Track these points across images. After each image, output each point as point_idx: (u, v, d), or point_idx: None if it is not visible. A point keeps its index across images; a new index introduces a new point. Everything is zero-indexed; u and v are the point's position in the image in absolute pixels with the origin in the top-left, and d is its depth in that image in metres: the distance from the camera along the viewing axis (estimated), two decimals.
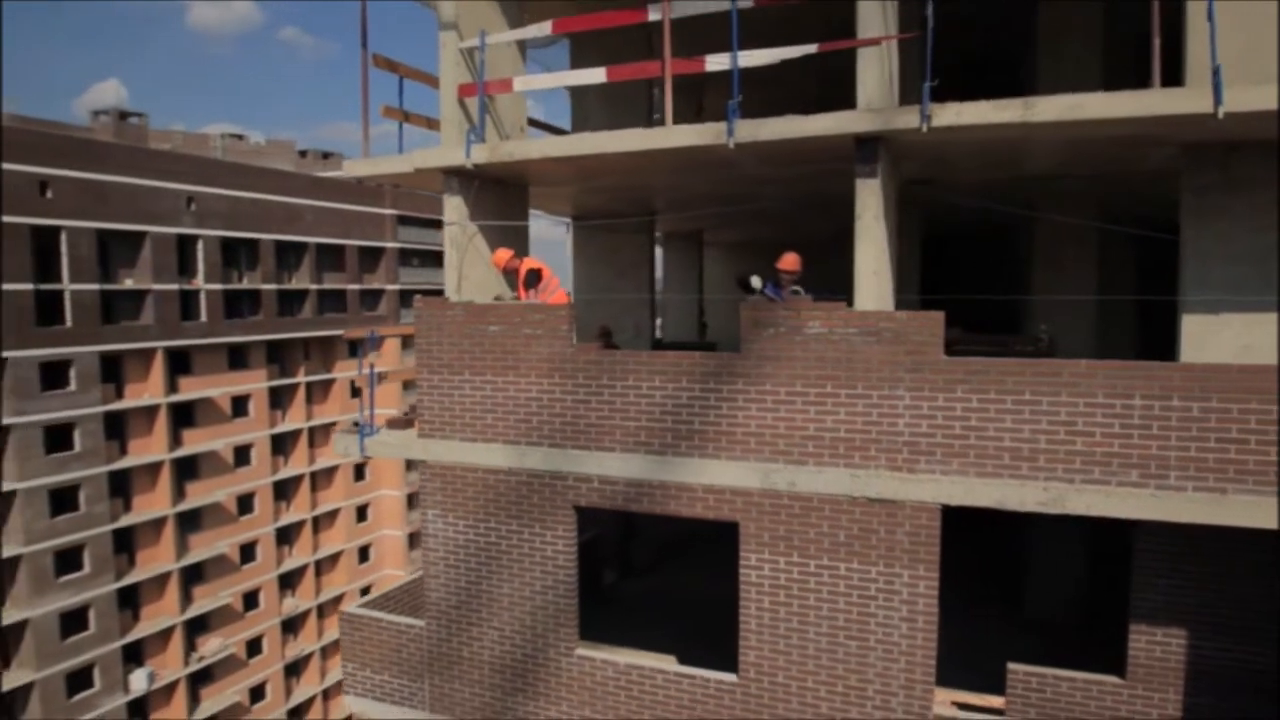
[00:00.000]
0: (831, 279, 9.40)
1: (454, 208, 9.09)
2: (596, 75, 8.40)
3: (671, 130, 7.66)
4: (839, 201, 8.37)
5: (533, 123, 13.15)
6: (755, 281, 8.19)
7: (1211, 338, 7.64)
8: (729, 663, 8.12)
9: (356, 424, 9.74)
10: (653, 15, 7.86)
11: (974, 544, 12.67)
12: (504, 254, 9.12)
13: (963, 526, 11.95)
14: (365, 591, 52.79)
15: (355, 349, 48.29)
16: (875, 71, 7.24)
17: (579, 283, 14.42)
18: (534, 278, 8.83)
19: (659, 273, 17.21)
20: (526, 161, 8.56)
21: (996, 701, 8.21)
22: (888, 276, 7.97)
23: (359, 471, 58.68)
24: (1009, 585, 11.87)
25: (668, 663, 8.48)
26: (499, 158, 8.55)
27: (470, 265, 9.55)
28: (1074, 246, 11.18)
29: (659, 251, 18.85)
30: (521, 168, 9.06)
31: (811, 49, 7.43)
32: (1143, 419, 6.57)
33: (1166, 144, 7.62)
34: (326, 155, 72.86)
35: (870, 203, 7.36)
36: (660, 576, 13.49)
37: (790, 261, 8.17)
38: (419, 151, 8.81)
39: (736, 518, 7.79)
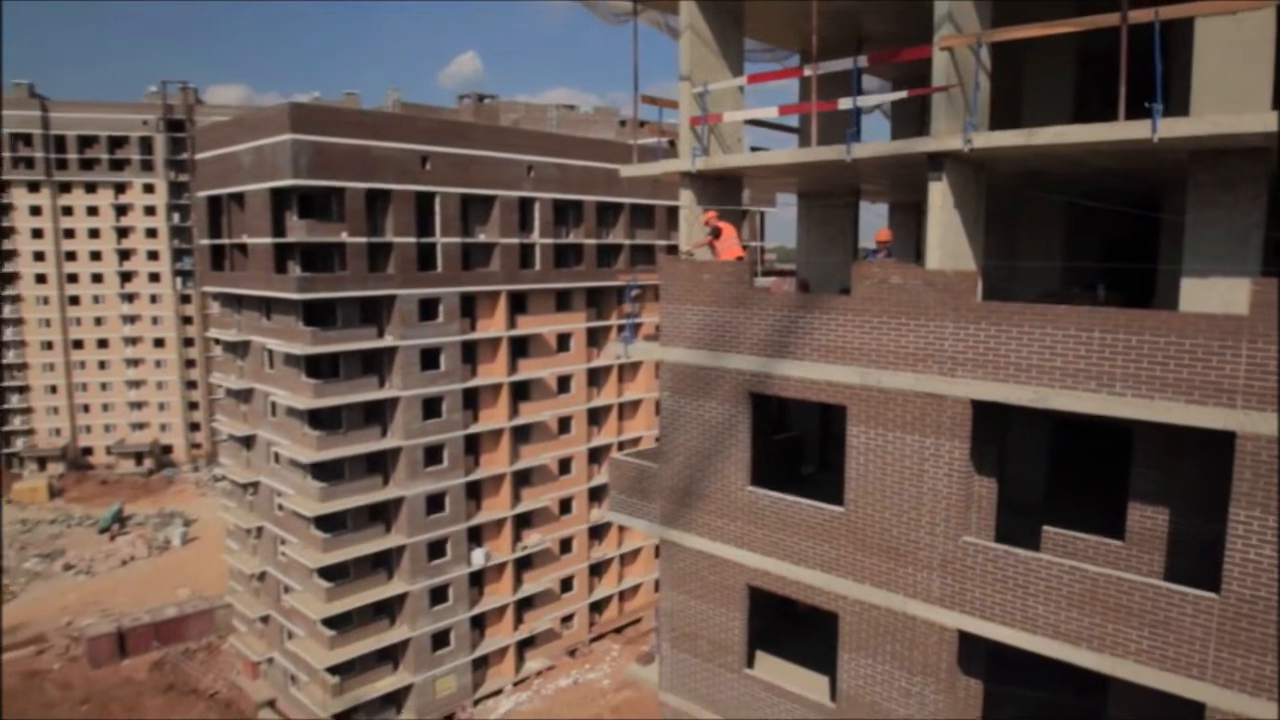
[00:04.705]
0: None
1: (685, 197, 13.88)
2: (770, 112, 12.70)
3: (811, 150, 11.79)
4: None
5: (777, 127, 17.38)
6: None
7: (1203, 297, 10.43)
8: None
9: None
10: (806, 72, 11.98)
11: (1109, 478, 15.30)
12: (710, 214, 13.74)
13: (1104, 470, 14.68)
14: None
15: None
16: (944, 108, 10.86)
17: (801, 246, 18.59)
18: (716, 232, 13.36)
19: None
20: (728, 168, 13.10)
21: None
22: (962, 245, 11.56)
23: (659, 407, 66.19)
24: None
25: (802, 499, 12.78)
26: (712, 166, 13.19)
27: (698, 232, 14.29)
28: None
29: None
30: (729, 170, 13.59)
31: (903, 94, 11.18)
32: (1099, 346, 9.78)
33: (1177, 152, 10.42)
34: (643, 124, 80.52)
35: (938, 198, 11.04)
36: None
37: (882, 235, 12.01)
38: (663, 161, 13.69)
39: (845, 403, 11.91)
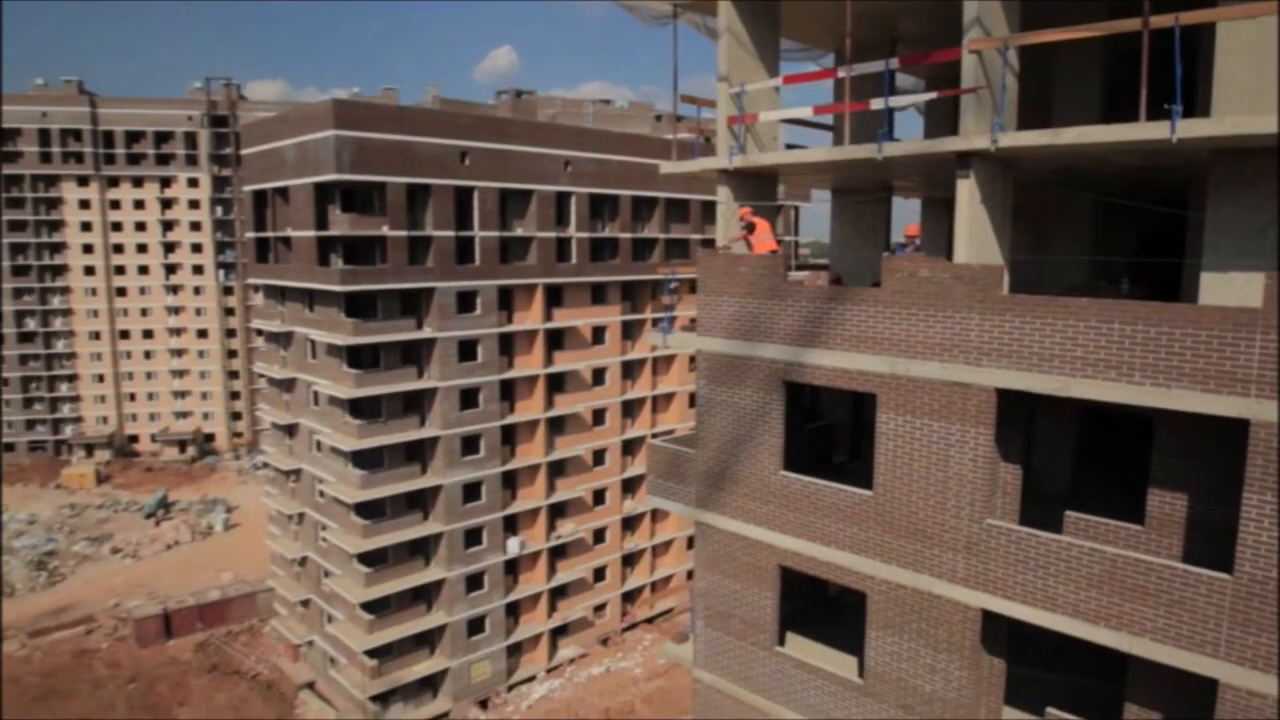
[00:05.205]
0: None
1: (723, 193, 14.47)
2: (805, 112, 13.23)
3: (845, 149, 12.32)
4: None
5: (812, 124, 17.84)
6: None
7: (1222, 291, 10.83)
8: None
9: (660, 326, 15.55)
10: (840, 73, 12.50)
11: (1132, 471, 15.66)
12: (745, 210, 14.30)
13: (1128, 463, 15.07)
14: None
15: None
16: (972, 108, 11.34)
17: (834, 241, 19.09)
18: (750, 227, 13.93)
19: None
20: (764, 166, 13.66)
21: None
22: (989, 240, 12.02)
23: (693, 400, 66.88)
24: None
25: (833, 483, 13.33)
26: (748, 163, 13.75)
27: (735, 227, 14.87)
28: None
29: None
30: (765, 168, 14.15)
31: (933, 95, 11.67)
32: (1119, 337, 10.23)
33: (1198, 151, 10.82)
34: (679, 119, 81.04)
35: (965, 194, 11.52)
36: None
37: (912, 229, 12.50)
38: (701, 159, 14.29)
39: (875, 391, 12.44)
